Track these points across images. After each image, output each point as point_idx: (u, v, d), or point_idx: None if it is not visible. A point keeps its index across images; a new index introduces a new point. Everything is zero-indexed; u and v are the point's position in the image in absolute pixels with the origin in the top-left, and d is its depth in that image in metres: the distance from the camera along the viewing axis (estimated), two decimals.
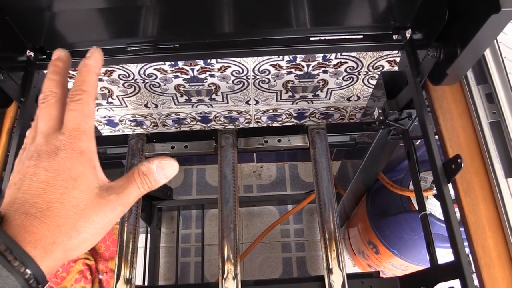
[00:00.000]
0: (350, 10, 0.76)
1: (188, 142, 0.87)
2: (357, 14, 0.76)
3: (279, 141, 0.87)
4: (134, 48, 0.80)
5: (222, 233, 0.78)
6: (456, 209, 0.65)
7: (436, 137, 0.71)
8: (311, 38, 0.79)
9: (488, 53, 0.71)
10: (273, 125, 1.48)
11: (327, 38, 0.79)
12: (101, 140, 0.94)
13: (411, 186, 1.10)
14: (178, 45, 0.79)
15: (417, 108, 0.73)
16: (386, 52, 1.10)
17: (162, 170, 0.39)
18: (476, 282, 0.61)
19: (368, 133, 0.97)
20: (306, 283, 0.77)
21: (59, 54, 0.44)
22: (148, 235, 1.53)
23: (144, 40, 0.80)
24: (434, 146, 0.68)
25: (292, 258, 1.58)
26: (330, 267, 0.75)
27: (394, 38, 0.80)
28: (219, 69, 1.15)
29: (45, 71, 1.01)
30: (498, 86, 0.69)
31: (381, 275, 0.79)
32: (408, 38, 0.78)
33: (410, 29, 0.78)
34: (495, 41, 0.71)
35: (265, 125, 1.48)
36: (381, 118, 0.86)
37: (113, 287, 0.76)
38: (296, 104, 1.34)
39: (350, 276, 0.77)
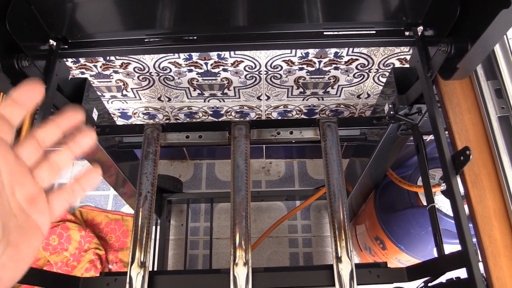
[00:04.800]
0: (363, 6, 0.78)
1: (203, 132, 0.90)
2: (370, 10, 0.79)
3: (291, 133, 0.89)
4: (152, 40, 0.82)
5: (234, 220, 0.81)
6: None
7: (446, 133, 0.73)
8: (325, 33, 0.81)
9: (498, 49, 0.73)
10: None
11: (340, 33, 0.81)
12: (117, 129, 0.97)
13: (419, 183, 1.12)
14: (195, 37, 0.82)
15: (427, 102, 0.75)
16: (397, 50, 1.11)
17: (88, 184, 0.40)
18: (482, 271, 0.63)
19: (377, 130, 0.99)
20: (315, 271, 0.79)
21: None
22: (158, 227, 1.56)
23: (162, 32, 0.82)
24: (444, 139, 0.70)
25: (299, 253, 1.60)
26: (339, 256, 0.77)
27: (406, 34, 0.82)
28: (232, 64, 1.17)
29: (65, 60, 1.05)
30: (507, 82, 0.71)
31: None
32: (419, 35, 0.80)
33: (421, 26, 0.80)
34: (505, 37, 0.73)
35: None
36: (391, 113, 0.88)
37: (128, 271, 0.78)
38: (307, 100, 1.36)
39: (358, 266, 0.79)
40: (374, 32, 0.81)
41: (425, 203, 1.09)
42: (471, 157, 0.63)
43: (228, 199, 1.53)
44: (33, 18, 0.76)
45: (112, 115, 1.46)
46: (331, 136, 0.88)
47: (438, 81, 0.76)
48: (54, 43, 0.83)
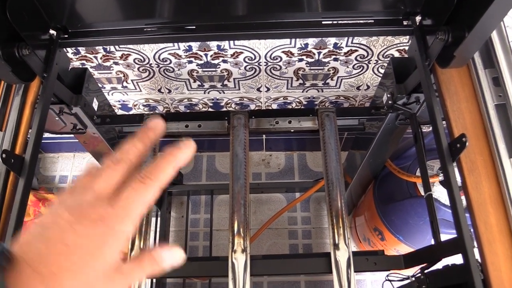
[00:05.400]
0: None
1: (202, 122, 0.90)
2: None
3: (290, 122, 0.90)
4: (151, 29, 0.83)
5: (233, 208, 0.82)
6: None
7: (444, 123, 0.74)
8: (323, 22, 0.81)
9: (495, 38, 0.73)
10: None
11: (339, 22, 0.82)
12: (117, 119, 0.97)
13: (418, 173, 1.12)
14: (194, 27, 0.82)
15: (425, 90, 0.75)
16: (396, 41, 1.11)
17: (170, 258, 0.37)
18: (477, 257, 0.63)
19: (376, 121, 0.99)
20: (313, 259, 0.80)
21: (154, 125, 0.39)
22: (159, 218, 1.57)
23: (162, 21, 0.83)
24: (441, 126, 0.70)
25: (299, 244, 1.61)
26: (336, 243, 0.78)
27: (404, 23, 0.82)
28: (232, 55, 1.18)
29: (65, 49, 1.05)
30: (504, 70, 0.71)
31: None
32: (418, 24, 0.80)
33: (420, 15, 0.80)
34: (502, 25, 0.73)
35: None
36: (390, 102, 0.89)
37: (128, 258, 0.79)
38: (306, 92, 1.37)
39: (356, 254, 0.79)
40: (372, 21, 0.82)
41: (423, 194, 1.09)
42: (467, 143, 0.64)
43: (228, 191, 1.54)
44: (34, 7, 0.76)
45: (113, 107, 1.47)
46: (330, 126, 0.89)
47: (436, 70, 0.76)
48: (54, 33, 0.83)
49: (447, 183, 0.67)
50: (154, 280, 1.45)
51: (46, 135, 1.70)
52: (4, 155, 0.68)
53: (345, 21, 0.82)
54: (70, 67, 0.91)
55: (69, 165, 1.80)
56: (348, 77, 1.28)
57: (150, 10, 0.81)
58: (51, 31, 0.83)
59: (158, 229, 1.54)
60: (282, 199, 1.70)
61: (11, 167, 0.70)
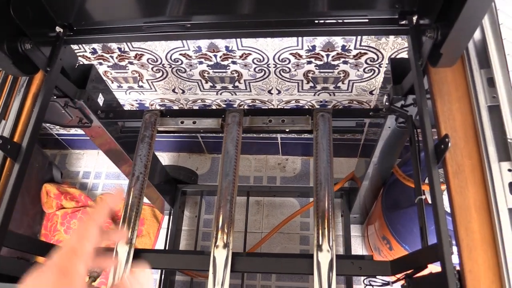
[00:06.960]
0: None
1: (196, 118, 0.92)
2: None
3: (283, 121, 0.89)
4: (149, 26, 0.85)
5: (219, 203, 0.82)
6: None
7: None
8: (315, 21, 0.81)
9: (490, 36, 0.70)
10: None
11: (332, 21, 0.81)
12: (120, 114, 1.01)
13: (426, 181, 1.08)
14: (189, 25, 0.84)
15: (416, 91, 0.73)
16: (407, 44, 1.08)
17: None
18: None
19: (378, 125, 0.97)
20: (296, 259, 0.79)
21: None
22: (171, 216, 1.60)
23: (160, 19, 0.85)
24: (428, 128, 0.68)
25: (310, 250, 1.59)
26: (320, 244, 0.76)
27: (401, 23, 0.80)
28: (240, 56, 1.19)
29: (83, 47, 1.10)
30: (497, 69, 0.68)
31: None
32: (414, 23, 0.78)
33: (416, 14, 0.77)
34: (496, 23, 0.69)
35: None
36: (387, 104, 0.86)
37: (115, 247, 0.81)
38: (318, 95, 1.35)
39: (341, 257, 0.77)
40: (367, 20, 0.80)
41: (429, 201, 1.05)
42: (449, 144, 0.61)
43: (243, 193, 1.55)
44: (39, 5, 0.80)
45: (130, 106, 1.52)
46: (324, 126, 0.87)
47: (429, 70, 0.74)
48: (61, 30, 0.87)
49: (430, 186, 0.65)
50: (162, 277, 1.48)
51: (72, 132, 1.78)
52: (0, 141, 0.72)
53: (339, 20, 0.81)
54: (77, 63, 0.95)
55: (93, 162, 1.87)
56: (359, 81, 1.26)
57: (148, 8, 0.83)
58: (58, 29, 0.87)
59: (170, 227, 1.56)
60: (295, 203, 1.68)
61: (7, 152, 0.74)
